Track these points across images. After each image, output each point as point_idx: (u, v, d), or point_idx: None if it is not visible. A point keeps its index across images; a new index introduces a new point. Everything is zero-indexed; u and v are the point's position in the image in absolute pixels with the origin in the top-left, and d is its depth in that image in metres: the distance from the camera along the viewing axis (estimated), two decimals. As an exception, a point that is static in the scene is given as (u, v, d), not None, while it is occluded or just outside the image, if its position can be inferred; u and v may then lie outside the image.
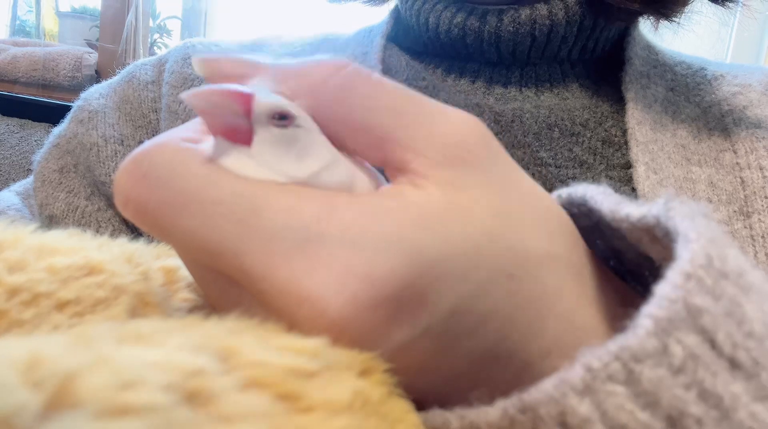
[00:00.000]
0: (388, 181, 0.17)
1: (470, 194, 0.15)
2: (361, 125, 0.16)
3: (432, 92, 0.39)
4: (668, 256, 0.16)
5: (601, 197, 0.18)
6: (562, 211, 0.18)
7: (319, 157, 0.16)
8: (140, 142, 0.42)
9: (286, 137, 0.16)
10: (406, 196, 0.15)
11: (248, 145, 0.16)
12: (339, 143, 0.17)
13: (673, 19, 0.38)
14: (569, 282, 0.17)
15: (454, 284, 0.15)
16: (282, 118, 0.16)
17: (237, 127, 0.16)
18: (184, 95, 0.15)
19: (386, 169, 0.17)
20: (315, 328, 0.14)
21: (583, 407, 0.14)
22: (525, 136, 0.37)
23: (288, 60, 0.17)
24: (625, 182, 0.35)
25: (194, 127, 0.18)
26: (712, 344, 0.14)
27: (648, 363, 0.14)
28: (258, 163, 0.15)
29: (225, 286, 0.16)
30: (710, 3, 0.39)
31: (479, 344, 0.16)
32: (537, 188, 0.18)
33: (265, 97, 0.16)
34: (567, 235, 0.18)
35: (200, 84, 0.43)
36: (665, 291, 0.14)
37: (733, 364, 0.14)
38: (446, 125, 0.16)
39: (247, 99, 0.15)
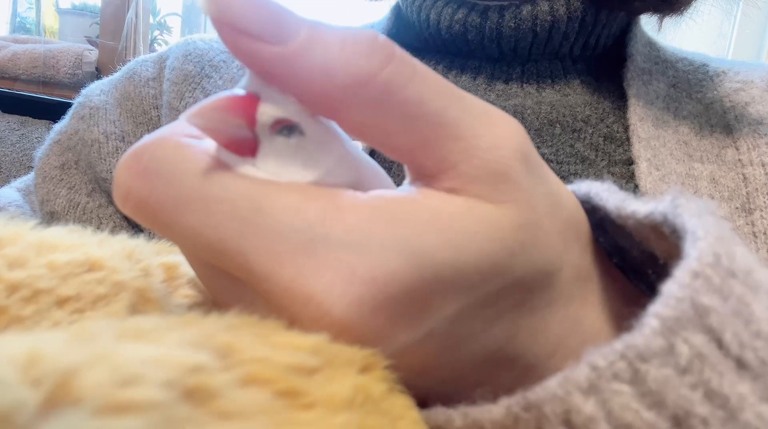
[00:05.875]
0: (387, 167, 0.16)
1: (499, 208, 0.15)
2: (398, 131, 0.15)
3: None
4: (675, 253, 0.16)
5: (606, 194, 0.18)
6: (582, 215, 0.18)
7: (325, 161, 0.16)
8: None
9: (290, 147, 0.15)
10: (421, 199, 0.15)
11: (253, 157, 0.15)
12: (359, 136, 0.16)
13: (676, 16, 0.38)
14: (577, 286, 0.17)
15: (462, 292, 0.14)
16: (286, 127, 0.15)
17: (241, 139, 0.15)
18: (184, 116, 0.14)
19: (409, 168, 0.16)
20: (319, 328, 0.14)
21: (588, 406, 0.14)
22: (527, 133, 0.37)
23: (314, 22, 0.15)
24: (627, 179, 0.35)
25: None
26: (719, 344, 0.14)
27: (654, 362, 0.14)
28: (264, 172, 0.15)
29: (227, 282, 0.16)
30: (713, -2, 0.39)
31: (483, 346, 0.16)
32: (564, 196, 0.17)
33: (268, 107, 0.15)
34: (581, 241, 0.17)
35: (200, 82, 0.43)
36: (672, 290, 0.14)
37: (740, 364, 0.14)
38: (489, 139, 0.15)
39: (251, 110, 0.15)
